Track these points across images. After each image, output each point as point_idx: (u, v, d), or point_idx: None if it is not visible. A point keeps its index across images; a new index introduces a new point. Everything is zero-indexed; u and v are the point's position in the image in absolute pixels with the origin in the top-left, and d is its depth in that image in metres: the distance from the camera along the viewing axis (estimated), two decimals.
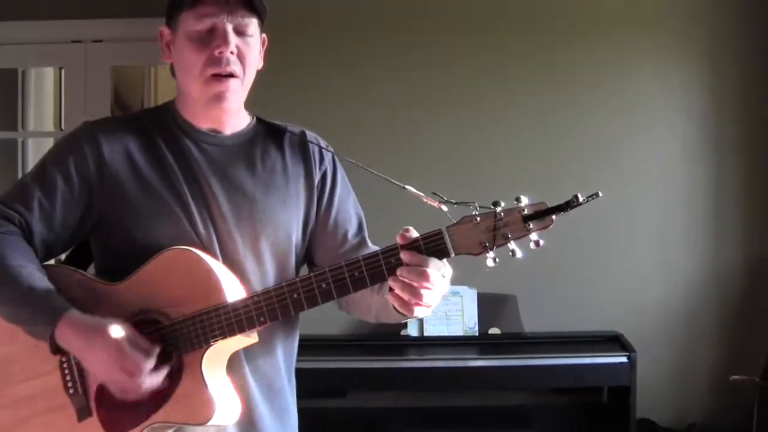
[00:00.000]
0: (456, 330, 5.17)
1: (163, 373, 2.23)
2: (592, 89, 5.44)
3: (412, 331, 5.16)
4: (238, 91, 2.40)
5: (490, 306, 5.23)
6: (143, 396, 2.22)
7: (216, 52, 2.33)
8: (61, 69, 6.51)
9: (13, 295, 2.25)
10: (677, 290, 5.43)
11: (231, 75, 2.36)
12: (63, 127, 6.34)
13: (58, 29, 5.91)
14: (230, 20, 2.34)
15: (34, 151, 6.61)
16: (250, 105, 2.55)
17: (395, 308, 2.24)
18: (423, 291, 2.12)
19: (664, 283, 5.43)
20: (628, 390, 4.86)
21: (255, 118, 2.60)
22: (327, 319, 4.87)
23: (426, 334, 5.16)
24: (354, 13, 5.52)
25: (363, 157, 2.49)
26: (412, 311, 2.18)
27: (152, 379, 2.20)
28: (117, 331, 2.19)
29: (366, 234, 2.64)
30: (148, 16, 5.76)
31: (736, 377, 4.79)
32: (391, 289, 2.19)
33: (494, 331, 5.19)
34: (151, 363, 2.20)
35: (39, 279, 2.27)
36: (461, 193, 2.19)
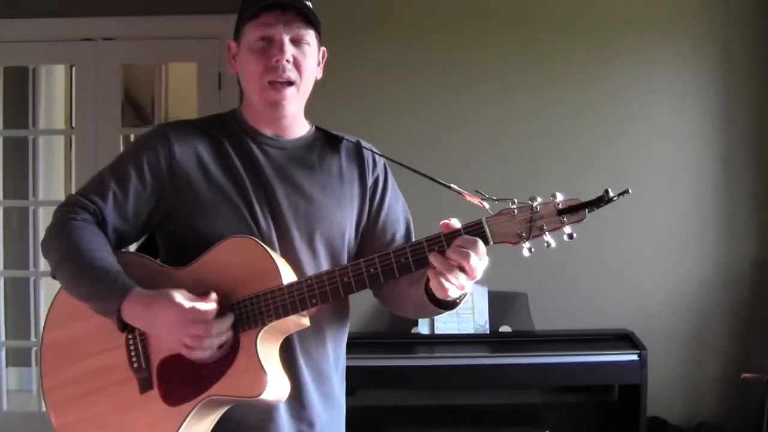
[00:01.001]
0: (467, 328, 5.17)
1: (227, 322, 2.37)
2: (604, 88, 5.44)
3: (423, 329, 5.17)
4: (294, 97, 2.59)
5: (500, 304, 5.23)
6: (214, 354, 2.36)
7: (273, 61, 2.52)
8: (72, 67, 6.51)
9: (86, 274, 2.42)
10: (688, 288, 5.43)
11: (288, 82, 2.55)
12: (73, 125, 6.34)
13: (69, 27, 5.91)
14: (287, 31, 2.53)
15: (45, 149, 6.62)
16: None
17: (430, 294, 2.40)
18: (462, 267, 2.23)
19: (674, 281, 5.43)
20: (639, 388, 4.86)
21: (315, 126, 2.78)
22: None
23: (437, 331, 5.17)
24: (390, 11, 5.59)
25: (404, 160, 2.70)
26: (445, 289, 2.27)
27: (219, 327, 2.35)
28: (174, 294, 2.34)
29: (413, 235, 2.81)
30: (159, 14, 5.81)
31: (746, 375, 4.80)
32: (427, 281, 2.36)
33: (505, 329, 5.20)
34: (213, 310, 2.34)
35: (109, 261, 2.44)
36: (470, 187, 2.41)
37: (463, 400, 5.27)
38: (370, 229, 2.75)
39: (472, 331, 5.17)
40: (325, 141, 2.75)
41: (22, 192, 6.47)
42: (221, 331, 2.35)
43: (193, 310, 2.31)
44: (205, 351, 2.34)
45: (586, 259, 5.34)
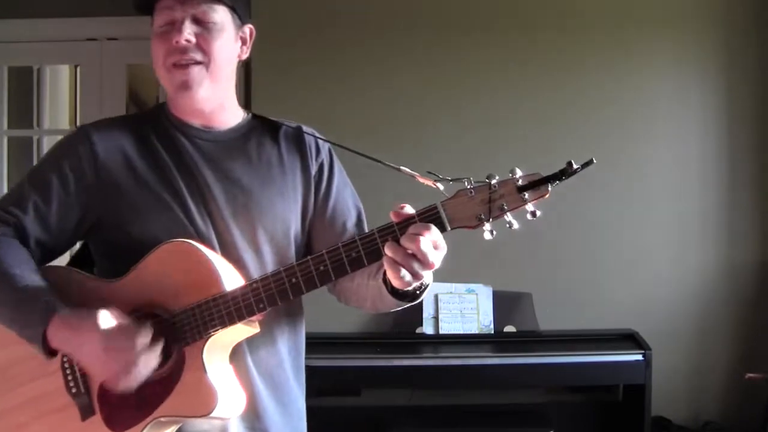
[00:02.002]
0: (471, 328, 5.17)
1: (157, 351, 2.20)
2: (607, 88, 5.43)
3: (428, 329, 5.17)
4: (204, 78, 2.40)
5: (505, 304, 5.23)
6: (143, 381, 2.19)
7: (173, 42, 2.35)
8: (76, 67, 6.53)
9: (5, 297, 2.26)
10: (692, 288, 5.42)
11: (191, 62, 2.37)
12: (78, 125, 6.34)
13: (74, 27, 5.92)
14: (185, 10, 2.37)
15: None
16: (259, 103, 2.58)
17: (389, 286, 2.25)
18: (416, 255, 2.08)
19: (678, 281, 5.42)
20: (644, 388, 4.86)
21: (251, 114, 2.62)
22: (342, 317, 4.94)
23: (441, 332, 5.17)
24: (344, 9, 5.54)
25: (370, 150, 2.52)
26: (402, 279, 2.12)
27: (147, 358, 2.18)
28: (103, 317, 2.17)
29: (365, 225, 2.64)
30: None
31: (751, 375, 4.80)
32: (385, 272, 2.21)
33: (509, 329, 5.20)
34: (144, 339, 2.17)
35: (31, 280, 2.27)
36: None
37: (467, 400, 5.27)
38: (318, 221, 2.58)
39: (476, 331, 5.17)
40: (262, 129, 2.59)
41: None
42: (150, 361, 2.18)
43: (122, 340, 2.15)
44: (131, 383, 2.18)
45: (591, 260, 5.35)
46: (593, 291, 5.36)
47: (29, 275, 2.28)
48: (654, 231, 5.43)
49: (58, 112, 7.02)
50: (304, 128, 2.64)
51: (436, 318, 5.15)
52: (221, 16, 2.41)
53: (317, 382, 4.87)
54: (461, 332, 5.16)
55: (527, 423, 5.10)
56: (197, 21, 2.38)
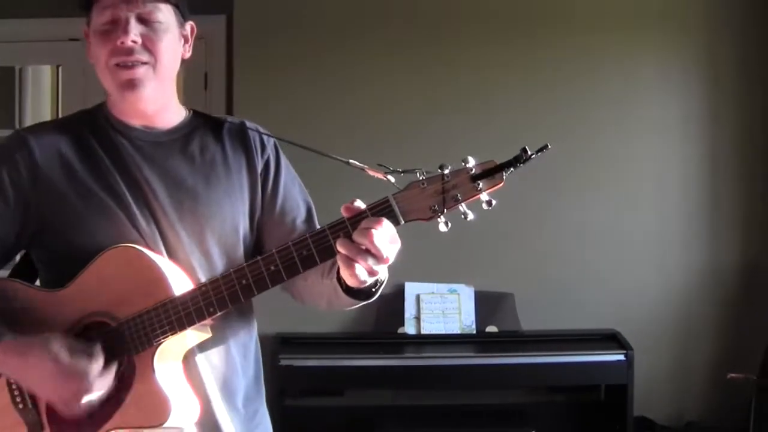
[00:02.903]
0: (453, 328, 5.17)
1: (111, 373, 2.16)
2: (589, 89, 5.44)
3: (410, 329, 5.16)
4: (150, 78, 2.32)
5: (487, 304, 5.23)
6: (95, 405, 2.15)
7: (118, 42, 2.26)
8: (58, 67, 6.49)
9: None
10: (674, 288, 5.44)
11: (136, 63, 2.29)
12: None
13: (56, 27, 5.89)
14: (130, 9, 2.27)
15: None
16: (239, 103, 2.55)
17: (343, 284, 2.21)
18: (370, 251, 2.03)
19: (661, 281, 5.44)
20: (626, 388, 4.88)
21: (192, 111, 2.54)
22: (324, 317, 4.93)
23: (423, 332, 5.17)
24: (324, 10, 5.53)
25: (349, 149, 2.52)
26: (356, 276, 2.06)
27: (102, 383, 2.14)
28: (51, 343, 2.12)
29: (315, 221, 2.57)
30: None
31: (733, 375, 4.80)
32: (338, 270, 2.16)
33: (491, 329, 5.20)
34: (96, 366, 2.13)
35: None
36: None
37: (450, 399, 5.27)
38: (267, 219, 2.51)
39: (458, 331, 5.17)
40: (205, 127, 2.50)
41: None
42: (103, 387, 2.13)
43: (72, 367, 2.09)
44: (82, 408, 2.13)
45: (573, 260, 5.35)
46: (575, 291, 5.37)
47: None
48: (636, 231, 5.44)
49: (40, 113, 6.99)
50: (248, 123, 2.57)
51: (418, 318, 5.15)
52: (166, 15, 2.34)
53: (300, 383, 4.90)
54: (443, 332, 5.16)
55: (509, 423, 5.11)
56: (142, 20, 2.29)
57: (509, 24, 5.45)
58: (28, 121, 6.52)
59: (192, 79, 5.89)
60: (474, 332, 5.19)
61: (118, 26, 2.26)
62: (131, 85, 2.29)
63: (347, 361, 4.76)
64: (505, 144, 5.16)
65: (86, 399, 2.11)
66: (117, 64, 2.28)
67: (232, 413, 2.41)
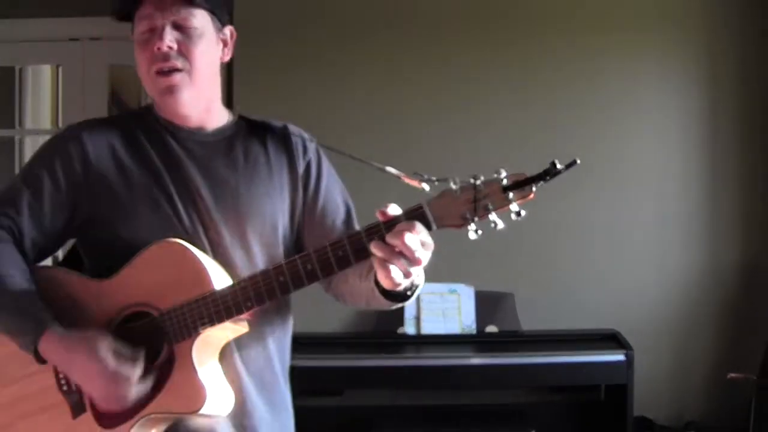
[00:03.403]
0: (453, 328, 5.17)
1: (150, 380, 2.28)
2: (589, 90, 5.43)
3: (410, 329, 5.16)
4: (187, 83, 2.44)
5: (487, 304, 5.23)
6: (129, 403, 2.26)
7: (154, 49, 2.39)
8: (58, 67, 6.50)
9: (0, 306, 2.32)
10: (674, 288, 5.43)
11: (173, 69, 2.41)
12: (60, 125, 6.33)
13: (56, 27, 5.90)
14: (165, 17, 2.40)
15: (32, 150, 6.61)
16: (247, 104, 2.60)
17: (379, 286, 2.29)
18: (403, 253, 2.11)
19: (661, 281, 5.43)
20: (626, 388, 4.86)
21: (237, 115, 2.65)
22: (324, 317, 4.93)
23: (423, 332, 5.16)
24: (327, 8, 5.54)
25: (353, 149, 2.53)
26: (392, 278, 2.14)
27: (141, 387, 2.26)
28: (99, 344, 2.24)
29: (355, 221, 2.67)
30: None
31: (733, 375, 4.80)
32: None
33: (491, 329, 5.19)
34: (138, 371, 2.26)
35: (23, 290, 2.32)
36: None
37: (449, 400, 5.27)
38: (307, 219, 2.63)
39: (458, 331, 5.17)
40: (249, 130, 2.63)
41: None
42: (142, 391, 2.26)
43: (116, 372, 2.22)
44: (118, 408, 2.27)
45: (573, 260, 5.35)
46: (575, 291, 5.37)
47: (22, 284, 2.33)
48: (636, 231, 5.44)
49: (40, 113, 7.00)
50: (290, 127, 2.67)
51: (417, 318, 5.15)
52: (201, 20, 2.45)
53: (299, 382, 4.88)
54: (443, 332, 5.16)
55: (509, 423, 5.10)
56: (178, 27, 2.41)
57: (509, 25, 5.45)
58: (28, 121, 6.53)
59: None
60: (474, 332, 5.18)
61: (154, 33, 2.40)
62: (169, 91, 2.42)
63: (347, 361, 4.76)
64: (506, 144, 5.24)
65: (123, 402, 2.25)
66: (157, 72, 2.41)
67: (265, 406, 2.53)
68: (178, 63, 2.41)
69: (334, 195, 2.67)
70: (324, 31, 5.43)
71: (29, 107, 6.59)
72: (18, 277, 2.34)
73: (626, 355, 4.86)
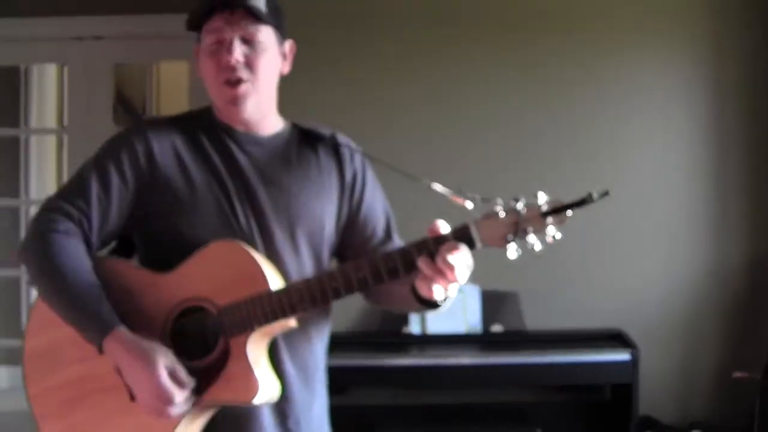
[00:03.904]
0: (458, 327, 5.17)
1: (189, 404, 2.41)
2: (595, 89, 5.43)
3: (414, 328, 5.16)
4: (251, 94, 2.62)
5: (492, 303, 5.23)
6: (167, 419, 2.40)
7: (223, 61, 2.57)
8: (63, 66, 6.51)
9: (65, 299, 2.45)
10: (680, 287, 5.42)
11: (240, 80, 2.58)
12: (65, 124, 6.33)
13: (60, 26, 5.91)
14: (234, 31, 2.57)
15: (36, 149, 6.64)
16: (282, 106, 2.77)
17: (416, 295, 2.44)
18: (446, 273, 2.27)
19: (666, 280, 5.43)
20: (631, 387, 4.85)
21: (290, 122, 2.82)
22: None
23: (428, 331, 5.17)
24: (374, 8, 5.54)
25: (389, 158, 2.74)
26: (432, 291, 2.32)
27: (182, 407, 2.39)
28: (158, 357, 2.38)
29: (393, 230, 2.86)
30: (150, 12, 5.81)
31: (738, 374, 4.80)
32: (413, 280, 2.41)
33: (497, 328, 5.19)
34: (184, 397, 2.39)
35: (90, 286, 2.45)
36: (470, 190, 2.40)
37: (454, 399, 5.27)
38: (350, 225, 2.78)
39: (463, 331, 5.17)
40: (301, 136, 2.79)
41: (14, 191, 6.48)
42: (182, 410, 2.39)
43: (165, 390, 2.36)
44: (159, 420, 2.40)
45: (578, 259, 5.34)
46: (580, 290, 5.36)
47: (88, 278, 2.47)
48: (641, 230, 5.43)
49: (45, 112, 7.00)
50: (338, 137, 2.82)
51: (422, 317, 5.15)
52: (265, 35, 2.62)
53: None
54: (448, 332, 5.16)
55: (514, 423, 5.11)
56: (245, 41, 2.59)
57: (513, 27, 5.44)
58: (33, 121, 6.54)
59: (197, 78, 5.87)
60: (479, 331, 5.19)
61: (223, 46, 2.58)
62: (234, 101, 2.61)
63: (352, 360, 4.76)
64: (512, 144, 5.24)
65: (164, 415, 2.38)
66: (224, 82, 2.59)
67: (305, 396, 2.69)
68: (244, 75, 2.58)
69: (376, 204, 2.83)
70: (332, 32, 5.43)
71: (34, 106, 6.60)
72: (86, 275, 2.47)
73: (632, 354, 4.85)
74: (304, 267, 2.64)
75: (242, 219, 2.59)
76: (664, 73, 5.45)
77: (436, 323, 5.16)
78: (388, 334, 5.17)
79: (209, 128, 2.69)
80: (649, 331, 5.21)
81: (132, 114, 7.63)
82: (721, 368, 5.32)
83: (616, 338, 5.09)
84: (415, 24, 5.48)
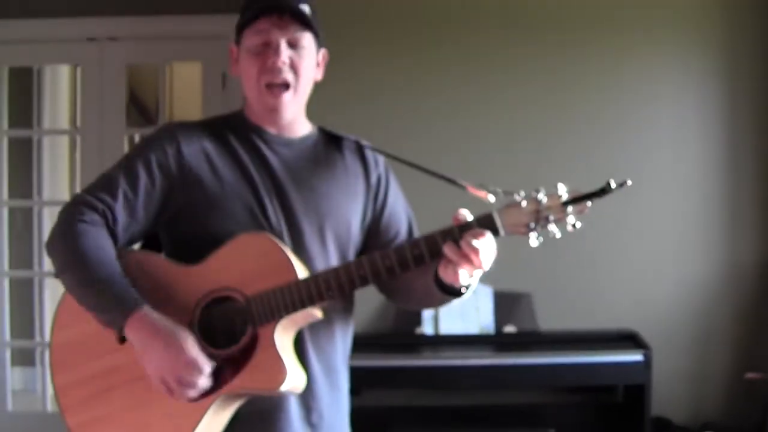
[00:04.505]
0: (471, 328, 5.17)
1: (206, 387, 2.42)
2: (609, 88, 5.43)
3: (428, 329, 5.17)
4: (291, 101, 2.67)
5: (505, 304, 5.23)
6: (196, 394, 2.42)
7: (269, 62, 2.61)
8: (76, 67, 6.53)
9: (90, 285, 2.47)
10: (692, 288, 5.42)
11: (284, 83, 2.64)
12: (78, 125, 6.34)
13: (74, 27, 5.92)
14: (282, 34, 2.62)
15: (49, 149, 6.66)
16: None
17: (439, 281, 2.48)
18: (471, 257, 2.32)
19: (679, 281, 5.42)
20: (644, 388, 4.86)
21: (317, 126, 2.86)
22: None
23: (441, 332, 5.17)
24: (389, 7, 5.57)
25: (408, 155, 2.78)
26: (457, 277, 2.38)
27: (200, 392, 2.42)
28: (183, 334, 2.43)
29: (415, 231, 2.89)
30: (164, 14, 5.82)
31: (750, 375, 4.80)
32: (436, 272, 2.46)
33: (510, 329, 5.19)
34: (204, 380, 2.41)
35: (115, 272, 2.48)
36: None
37: (467, 400, 5.27)
38: (374, 228, 2.82)
39: (476, 332, 5.18)
40: (327, 139, 2.83)
41: (27, 192, 6.50)
42: (198, 395, 2.42)
43: (194, 361, 2.40)
44: (179, 399, 2.42)
45: (591, 259, 5.34)
46: (593, 291, 5.36)
47: (114, 266, 2.49)
48: (655, 231, 5.43)
49: (58, 113, 7.04)
50: (362, 141, 2.87)
51: (435, 318, 5.16)
52: (308, 41, 2.68)
53: None
54: (461, 332, 5.17)
55: (527, 423, 5.12)
56: (290, 44, 2.64)
57: (529, 28, 5.45)
58: (46, 121, 6.55)
59: (210, 79, 5.91)
60: (492, 332, 5.19)
61: (269, 48, 2.63)
62: (275, 110, 2.67)
63: (365, 361, 4.75)
64: (527, 143, 5.25)
65: (193, 389, 2.40)
66: (267, 85, 2.64)
67: (328, 388, 2.72)
68: (289, 77, 2.64)
69: (399, 207, 2.88)
70: (341, 31, 5.41)
71: (47, 107, 6.61)
72: (110, 260, 2.49)
73: (644, 355, 4.85)
74: (331, 262, 2.67)
75: (272, 216, 2.62)
76: (678, 75, 5.45)
77: (449, 324, 5.16)
78: (402, 335, 5.18)
79: (239, 129, 2.73)
80: (662, 332, 5.21)
81: (145, 115, 7.66)
82: (734, 369, 5.32)
83: (628, 339, 5.09)
84: (436, 25, 5.52)
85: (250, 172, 2.65)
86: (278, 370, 2.42)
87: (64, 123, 7.11)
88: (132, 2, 5.86)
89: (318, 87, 2.79)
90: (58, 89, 7.01)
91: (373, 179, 2.82)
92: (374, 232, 2.82)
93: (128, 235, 2.61)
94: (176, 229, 2.66)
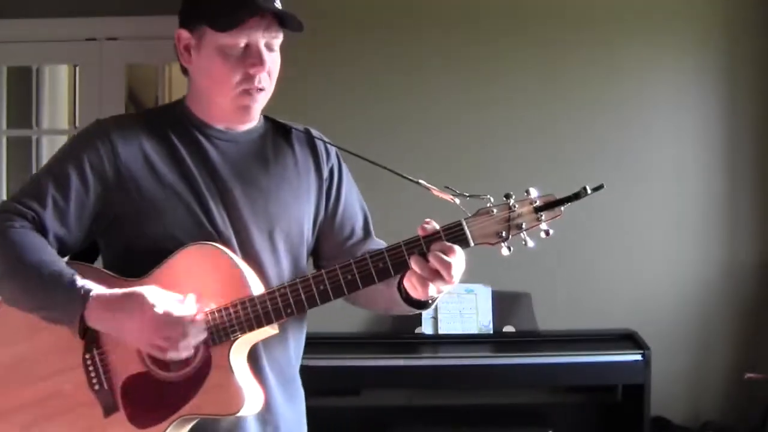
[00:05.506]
0: (470, 328, 5.17)
1: (203, 323, 2.28)
2: (607, 87, 5.42)
3: (427, 329, 5.16)
4: (263, 102, 2.49)
5: (504, 304, 5.23)
6: (195, 343, 2.27)
7: (251, 71, 2.40)
8: (75, 67, 6.53)
9: (35, 282, 2.27)
10: (692, 288, 5.42)
11: (261, 88, 2.44)
12: (77, 125, 6.35)
13: (73, 27, 5.92)
14: (264, 37, 2.40)
15: (48, 149, 6.65)
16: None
17: (406, 296, 2.37)
18: (443, 275, 2.20)
19: (678, 281, 5.42)
20: (643, 388, 4.86)
21: (263, 116, 2.66)
22: (341, 317, 4.92)
23: (440, 332, 5.16)
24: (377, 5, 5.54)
25: (372, 155, 2.62)
26: (426, 292, 2.27)
27: (198, 329, 2.26)
28: (147, 293, 2.23)
29: (371, 227, 2.74)
30: (163, 13, 5.79)
31: (750, 375, 4.80)
32: (400, 281, 2.34)
33: (509, 329, 5.19)
34: (191, 310, 2.26)
35: (60, 265, 2.29)
36: (475, 190, 2.29)
37: (466, 400, 5.27)
38: (328, 223, 2.66)
39: (475, 331, 5.17)
40: (275, 131, 2.65)
41: None
42: (199, 334, 2.26)
43: (170, 314, 2.21)
44: (180, 352, 2.25)
45: (590, 259, 5.34)
46: (592, 291, 5.36)
47: (57, 260, 2.31)
48: (654, 230, 5.42)
49: (57, 112, 7.03)
50: (313, 131, 2.71)
51: (435, 318, 5.15)
52: (279, 42, 2.48)
53: (316, 382, 4.89)
54: (460, 332, 5.16)
55: (526, 423, 5.11)
56: (268, 47, 2.44)
57: (527, 26, 5.44)
58: (45, 121, 6.55)
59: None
60: (491, 332, 5.19)
61: (250, 53, 2.40)
62: (247, 111, 2.48)
63: (364, 361, 4.76)
64: (518, 143, 5.25)
65: (185, 342, 2.24)
66: (244, 90, 2.42)
67: (285, 401, 2.57)
68: (266, 85, 2.46)
69: (353, 200, 2.72)
70: (335, 32, 5.41)
71: (46, 107, 6.62)
72: (51, 255, 2.31)
73: (643, 355, 4.86)
74: (283, 268, 2.51)
75: (218, 219, 2.43)
76: (676, 73, 5.44)
77: (449, 324, 5.16)
78: (401, 334, 5.16)
79: (180, 124, 2.52)
80: (661, 332, 5.21)
81: None
82: (733, 369, 5.32)
83: (627, 339, 5.09)
84: (419, 23, 5.50)
85: (192, 172, 2.44)
86: (235, 396, 2.27)
87: (63, 123, 7.10)
88: (131, 2, 5.86)
89: (292, 82, 2.70)
90: (57, 89, 7.00)
91: (325, 172, 2.65)
92: (328, 231, 2.67)
93: (61, 244, 2.40)
94: (114, 238, 2.46)
